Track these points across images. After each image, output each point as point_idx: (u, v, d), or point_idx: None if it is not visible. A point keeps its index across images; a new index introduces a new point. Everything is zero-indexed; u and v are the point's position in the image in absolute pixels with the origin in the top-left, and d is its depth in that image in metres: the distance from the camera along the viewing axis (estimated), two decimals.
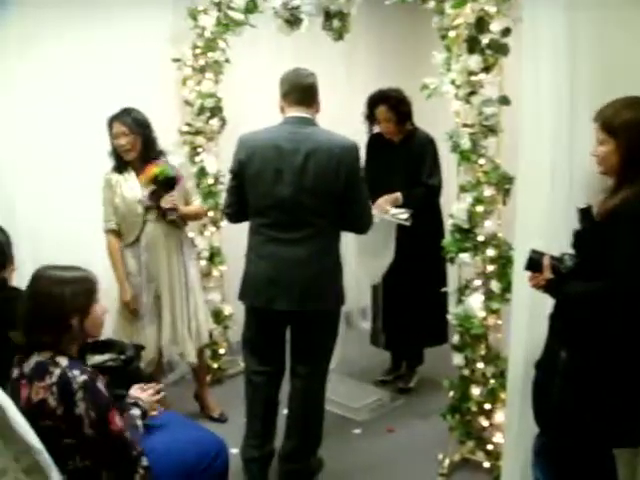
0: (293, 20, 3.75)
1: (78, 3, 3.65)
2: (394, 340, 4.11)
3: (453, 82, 3.03)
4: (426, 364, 4.20)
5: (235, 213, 3.06)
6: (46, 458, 1.94)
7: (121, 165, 3.44)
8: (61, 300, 2.09)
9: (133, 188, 3.40)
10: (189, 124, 4.02)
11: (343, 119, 4.79)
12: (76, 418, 2.01)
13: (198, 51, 4.00)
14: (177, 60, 4.03)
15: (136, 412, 2.30)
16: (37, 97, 3.64)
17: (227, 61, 4.06)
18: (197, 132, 4.05)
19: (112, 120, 3.41)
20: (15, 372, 2.14)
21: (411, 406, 3.94)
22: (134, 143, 3.39)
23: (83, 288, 2.15)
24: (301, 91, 2.88)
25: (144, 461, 2.17)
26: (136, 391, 2.41)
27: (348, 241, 3.82)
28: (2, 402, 1.96)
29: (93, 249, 3.54)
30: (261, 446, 3.09)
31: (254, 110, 3.94)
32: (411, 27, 5.15)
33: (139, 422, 2.27)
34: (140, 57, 3.96)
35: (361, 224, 3.00)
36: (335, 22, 3.69)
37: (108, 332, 3.44)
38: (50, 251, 3.11)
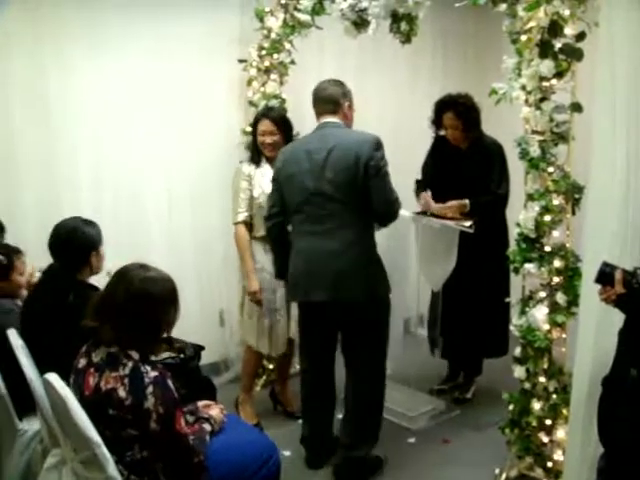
0: (360, 22, 3.72)
1: (149, 3, 3.73)
2: (452, 349, 4.03)
3: (523, 87, 2.95)
4: (484, 375, 4.12)
5: (276, 214, 3.21)
6: (104, 451, 1.96)
7: (258, 158, 3.57)
8: (155, 302, 2.14)
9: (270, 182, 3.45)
10: (250, 124, 4.04)
11: (405, 122, 4.77)
12: (144, 411, 2.03)
13: (264, 52, 4.02)
14: (243, 61, 4.05)
15: (207, 427, 2.33)
16: (104, 95, 3.75)
17: (292, 62, 4.07)
18: None
19: (262, 116, 3.58)
20: (82, 362, 2.17)
21: (467, 417, 3.86)
22: (279, 142, 3.49)
23: (172, 289, 2.20)
24: (322, 103, 3.14)
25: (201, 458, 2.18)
26: (207, 408, 2.44)
27: (410, 247, 3.79)
28: (64, 394, 2.00)
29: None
30: (316, 430, 3.26)
31: None
32: (478, 30, 5.08)
33: (207, 437, 2.30)
34: (207, 57, 4.02)
35: (383, 213, 3.07)
36: (403, 25, 3.64)
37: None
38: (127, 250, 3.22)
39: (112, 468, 1.97)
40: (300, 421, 3.46)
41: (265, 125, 3.55)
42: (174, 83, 3.94)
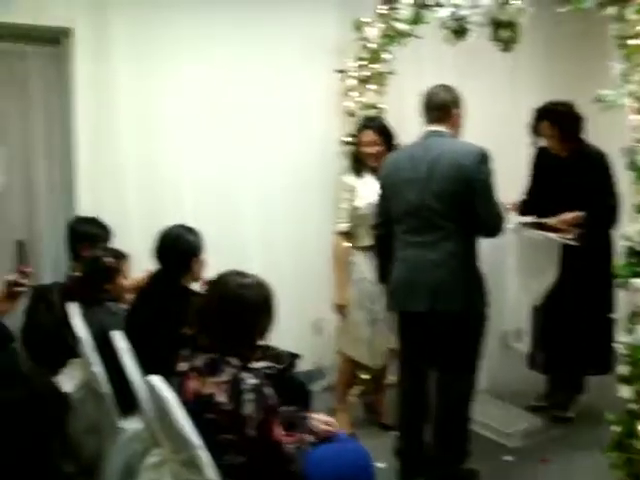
0: (459, 30, 3.67)
1: (255, 15, 3.82)
2: (554, 364, 3.88)
3: (631, 94, 2.83)
4: (588, 393, 3.94)
5: (381, 223, 3.21)
6: (203, 454, 1.99)
7: (360, 169, 3.59)
8: (249, 308, 2.18)
9: (373, 192, 3.44)
10: (351, 135, 4.05)
11: (505, 131, 4.67)
12: (242, 418, 2.05)
13: (362, 62, 4.03)
14: (341, 71, 4.08)
15: (309, 438, 2.32)
16: (203, 100, 3.86)
17: (391, 72, 4.05)
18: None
19: (364, 127, 3.62)
20: (183, 365, 2.22)
21: (568, 437, 3.70)
22: (381, 152, 3.51)
23: (267, 296, 2.23)
24: (432, 109, 3.07)
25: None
26: (317, 422, 2.44)
27: (509, 258, 3.69)
28: (167, 397, 2.04)
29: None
30: (411, 442, 3.21)
31: (416, 121, 3.89)
32: (582, 35, 4.90)
33: (307, 448, 2.29)
34: (304, 66, 4.09)
35: (488, 227, 3.02)
36: (503, 32, 3.57)
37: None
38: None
39: (211, 471, 1.99)
40: (394, 433, 3.42)
41: (368, 136, 3.56)
42: (273, 92, 4.04)
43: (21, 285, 2.05)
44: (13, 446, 2.46)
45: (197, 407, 2.09)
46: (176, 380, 2.21)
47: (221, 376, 2.10)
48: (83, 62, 3.76)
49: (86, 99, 3.76)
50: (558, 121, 3.63)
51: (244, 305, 2.17)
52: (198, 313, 2.22)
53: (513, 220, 3.52)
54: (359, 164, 3.61)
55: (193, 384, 2.14)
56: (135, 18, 3.79)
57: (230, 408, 2.06)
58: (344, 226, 3.58)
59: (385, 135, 3.58)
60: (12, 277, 2.05)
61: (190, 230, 2.93)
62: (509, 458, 3.51)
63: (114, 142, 3.77)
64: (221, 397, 2.07)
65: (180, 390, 2.16)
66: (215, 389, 2.08)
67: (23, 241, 2.08)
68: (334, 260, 3.64)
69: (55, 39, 3.85)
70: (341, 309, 3.58)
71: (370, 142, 3.56)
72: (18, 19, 3.65)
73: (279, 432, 2.14)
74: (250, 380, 2.09)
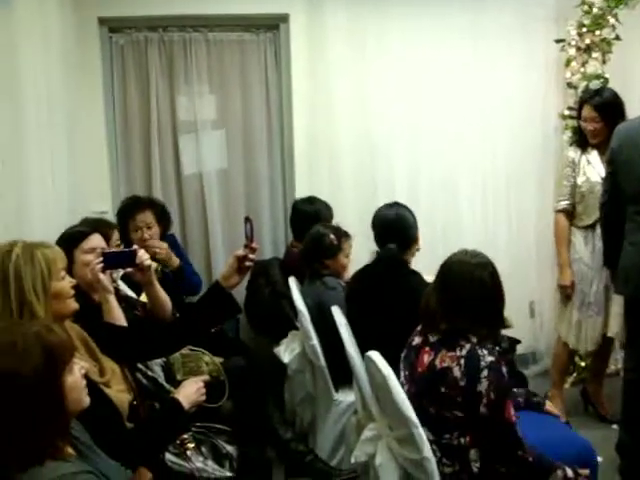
0: None
1: None
2: None
3: None
4: None
5: (608, 201, 2.97)
6: (421, 432, 2.00)
7: (585, 143, 3.42)
8: (488, 287, 2.14)
9: (597, 169, 3.35)
10: (571, 108, 3.82)
11: None
12: (477, 394, 2.03)
13: (584, 30, 3.77)
14: (560, 40, 3.85)
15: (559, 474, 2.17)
16: (414, 79, 3.86)
17: (617, 38, 3.76)
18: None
19: (584, 102, 3.41)
20: (417, 340, 2.23)
21: None
22: (601, 129, 3.33)
23: (497, 273, 2.18)
24: None
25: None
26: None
27: None
28: (387, 373, 2.07)
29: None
30: (634, 436, 2.95)
31: None
32: None
33: None
34: (521, 37, 3.95)
35: None
36: None
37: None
38: None
39: (427, 449, 1.99)
40: (615, 426, 3.21)
41: (587, 111, 3.34)
42: (488, 66, 3.92)
43: (249, 260, 2.17)
44: (238, 409, 2.67)
45: (431, 380, 2.09)
46: (407, 353, 2.23)
47: (458, 351, 2.08)
48: (299, 47, 3.89)
49: (303, 83, 3.91)
50: None
51: (483, 285, 2.12)
52: (435, 295, 2.20)
53: None
54: (583, 138, 3.40)
55: (428, 358, 2.14)
56: (347, 3, 3.85)
57: (465, 384, 2.03)
58: (565, 204, 3.42)
59: (606, 111, 3.30)
60: (242, 252, 2.17)
61: (406, 208, 2.93)
62: None
63: (330, 125, 3.89)
64: (457, 372, 2.05)
65: (412, 363, 2.17)
66: (451, 363, 2.07)
67: (250, 218, 2.18)
68: (556, 239, 3.50)
69: (274, 25, 4.02)
70: (565, 289, 3.43)
71: (589, 118, 3.33)
72: (239, 10, 3.86)
73: (511, 412, 2.08)
74: (487, 357, 2.05)
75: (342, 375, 2.87)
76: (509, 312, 4.02)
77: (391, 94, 3.89)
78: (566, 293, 3.44)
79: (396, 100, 3.90)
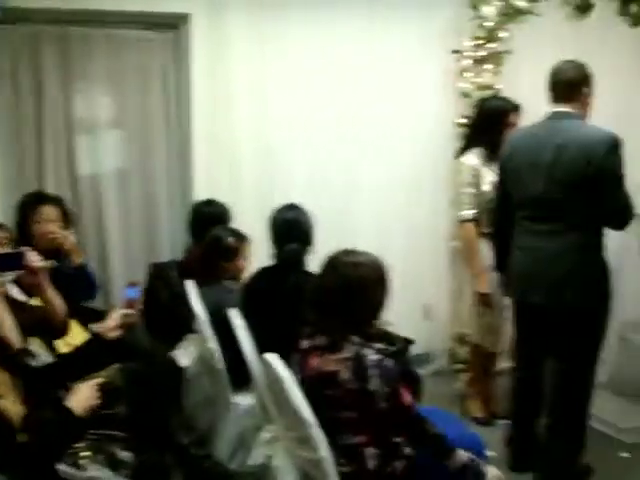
0: (584, 6, 3.51)
1: None
2: None
3: None
4: None
5: (498, 207, 3.11)
6: (317, 432, 2.01)
7: (492, 155, 3.41)
8: (365, 286, 2.16)
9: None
10: (466, 116, 3.96)
11: (631, 114, 4.45)
12: (369, 393, 2.06)
13: (478, 42, 3.93)
14: (457, 52, 4.00)
15: (462, 455, 2.19)
16: (316, 82, 3.92)
17: (508, 52, 3.94)
18: None
19: (510, 110, 3.47)
20: (305, 343, 2.23)
21: None
22: None
23: (381, 271, 2.21)
24: (560, 87, 2.88)
25: (410, 452, 2.18)
26: None
27: (630, 246, 3.53)
28: (282, 375, 2.08)
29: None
30: (523, 432, 3.15)
31: (533, 102, 3.75)
32: None
33: None
34: (420, 47, 4.06)
35: (616, 220, 2.85)
36: (633, 7, 3.38)
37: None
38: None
39: (325, 449, 2.01)
40: (503, 422, 3.36)
41: (514, 117, 3.43)
42: (387, 73, 4.02)
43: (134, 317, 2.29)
44: (134, 415, 2.61)
45: (319, 384, 2.11)
46: (297, 357, 2.24)
47: (343, 353, 2.11)
48: (200, 47, 3.86)
49: (203, 84, 3.87)
50: None
51: (360, 282, 2.16)
52: (314, 297, 2.24)
53: None
54: (492, 146, 3.41)
55: (314, 361, 2.16)
56: (248, 5, 3.85)
57: (355, 386, 2.07)
58: (471, 213, 3.46)
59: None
60: (127, 311, 2.28)
61: (303, 210, 2.96)
62: (626, 454, 3.38)
63: (229, 126, 3.86)
64: (344, 374, 2.08)
65: (302, 367, 2.18)
66: (338, 366, 2.09)
67: (136, 282, 2.33)
68: (468, 249, 3.52)
69: (174, 25, 3.97)
70: (485, 297, 3.46)
71: (516, 124, 3.41)
72: (139, 7, 3.78)
73: (407, 396, 2.14)
74: (372, 356, 2.09)
75: (241, 378, 2.85)
76: (404, 313, 4.19)
77: (291, 97, 3.91)
78: (487, 301, 3.48)
79: (296, 103, 3.92)
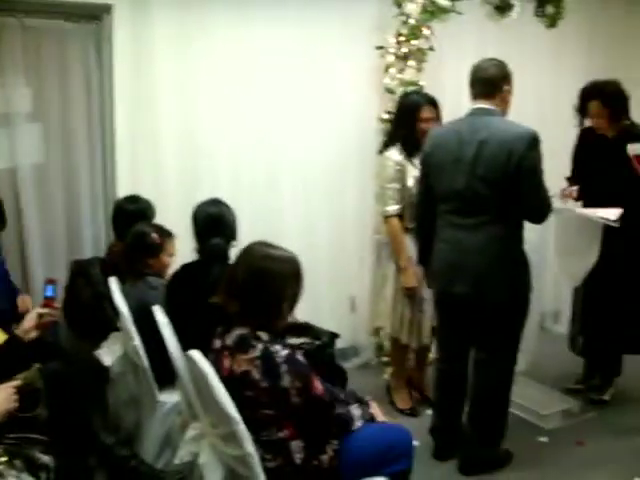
0: (503, 6, 3.61)
1: None
2: (591, 346, 3.84)
3: None
4: (624, 376, 3.90)
5: (422, 201, 3.18)
6: (242, 428, 2.01)
7: (414, 150, 3.45)
8: (278, 280, 2.16)
9: None
10: (389, 112, 4.01)
11: (548, 111, 4.60)
12: (282, 390, 2.08)
13: (401, 39, 3.97)
14: (380, 48, 4.04)
15: (357, 412, 2.29)
16: (240, 76, 3.89)
17: (431, 49, 4.00)
18: None
19: (425, 102, 3.49)
20: (217, 343, 2.23)
21: (604, 420, 3.68)
22: None
23: (292, 267, 2.21)
24: (481, 84, 2.95)
25: (335, 444, 2.20)
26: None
27: (548, 239, 3.65)
28: (207, 372, 2.06)
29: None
30: (446, 421, 3.24)
31: (456, 99, 3.84)
32: (629, 12, 4.81)
33: (354, 417, 2.28)
34: (345, 44, 4.07)
35: (535, 214, 2.95)
36: (549, 8, 3.50)
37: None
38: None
39: (250, 445, 2.01)
40: (429, 412, 3.43)
41: (429, 112, 3.46)
42: (311, 69, 4.01)
43: (51, 316, 2.24)
44: (55, 417, 2.55)
45: (234, 385, 2.10)
46: (212, 358, 2.23)
47: (251, 352, 2.11)
48: (123, 39, 3.76)
49: (126, 77, 3.76)
50: (608, 100, 3.50)
51: (267, 275, 2.15)
52: (226, 283, 2.23)
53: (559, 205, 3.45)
54: (412, 142, 3.46)
55: (227, 362, 2.16)
56: None
57: (267, 385, 2.07)
58: (397, 208, 3.50)
59: (438, 111, 3.47)
60: (43, 310, 2.26)
61: (227, 205, 2.94)
62: (544, 439, 3.51)
63: (153, 122, 3.78)
64: (256, 374, 2.08)
65: (217, 368, 2.17)
66: (248, 366, 2.09)
67: (54, 279, 2.43)
68: (394, 243, 3.55)
69: (96, 16, 3.86)
70: (411, 291, 3.52)
71: (431, 118, 3.44)
72: None
73: (318, 385, 2.15)
74: (282, 352, 2.10)
75: (166, 376, 2.82)
76: (332, 307, 4.23)
77: (216, 94, 3.86)
78: (412, 294, 3.53)
79: (221, 99, 3.87)
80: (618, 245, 3.45)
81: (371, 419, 2.36)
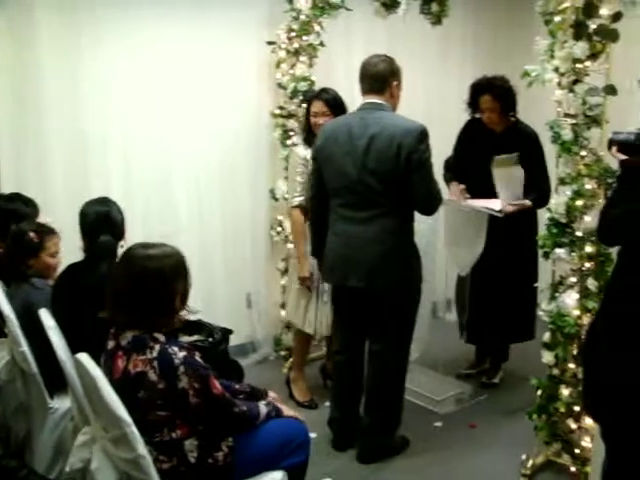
0: (390, 3, 3.69)
1: None
2: (478, 334, 3.99)
3: (556, 70, 2.88)
4: (512, 360, 4.10)
5: (314, 195, 3.21)
6: (133, 430, 1.98)
7: (312, 140, 3.44)
8: (163, 278, 2.13)
9: None
10: (281, 107, 4.02)
11: (435, 107, 4.74)
12: (180, 391, 2.06)
13: (293, 34, 3.99)
14: (272, 43, 4.04)
15: (263, 409, 2.35)
16: (131, 74, 3.80)
17: (321, 44, 4.03)
18: (289, 115, 4.06)
19: (314, 98, 3.55)
20: (110, 344, 2.19)
21: (494, 402, 3.85)
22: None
23: (173, 263, 2.18)
24: (370, 79, 3.00)
25: (229, 441, 2.20)
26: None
27: (439, 230, 3.76)
28: (95, 375, 2.02)
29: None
30: (344, 412, 3.30)
31: (347, 94, 3.89)
32: (510, 11, 5.01)
33: (259, 412, 2.33)
34: (235, 39, 4.03)
35: (425, 206, 3.03)
36: (434, 6, 3.60)
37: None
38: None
39: (142, 447, 1.98)
40: (328, 404, 3.47)
41: (318, 106, 3.51)
42: (203, 65, 3.96)
43: None
44: None
45: (127, 386, 2.06)
46: (105, 358, 2.18)
47: (149, 354, 2.08)
48: (4, 34, 3.57)
49: (9, 74, 3.57)
50: (500, 95, 3.64)
51: (150, 276, 2.12)
52: (109, 292, 2.18)
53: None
54: (311, 135, 3.51)
55: (122, 363, 2.12)
56: None
57: (164, 386, 2.05)
58: (300, 199, 3.53)
59: (335, 106, 3.50)
60: None
61: (115, 203, 2.87)
62: (439, 424, 3.63)
63: (39, 120, 3.59)
64: (152, 375, 2.05)
65: (110, 369, 2.13)
66: (144, 367, 2.06)
67: None
68: (294, 234, 3.62)
69: None
70: (305, 281, 3.57)
71: (319, 113, 3.50)
72: None
73: (217, 385, 2.15)
74: (179, 353, 2.08)
75: (56, 381, 2.72)
76: (228, 303, 4.20)
77: (106, 90, 3.72)
78: (306, 284, 3.59)
79: (111, 97, 3.74)
80: (501, 235, 3.59)
81: (277, 415, 2.38)
